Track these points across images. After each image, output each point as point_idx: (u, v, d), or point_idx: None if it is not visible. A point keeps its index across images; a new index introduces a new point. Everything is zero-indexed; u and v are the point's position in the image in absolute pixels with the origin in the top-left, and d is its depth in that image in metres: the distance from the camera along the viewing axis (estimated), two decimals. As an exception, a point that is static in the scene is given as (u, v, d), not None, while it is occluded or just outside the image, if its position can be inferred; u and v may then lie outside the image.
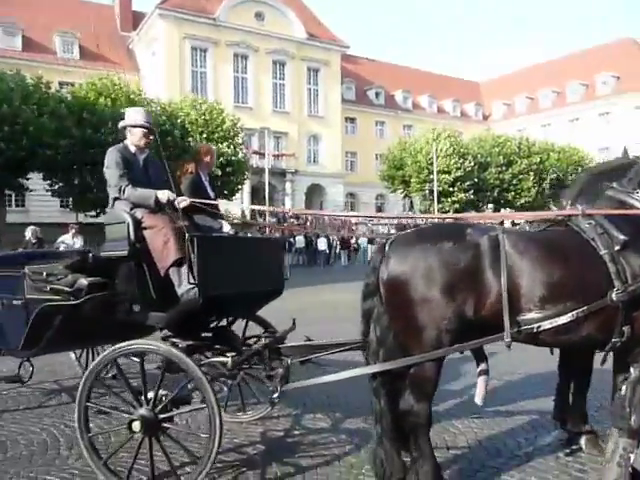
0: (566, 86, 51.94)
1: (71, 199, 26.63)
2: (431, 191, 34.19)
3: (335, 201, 42.29)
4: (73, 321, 3.73)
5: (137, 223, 3.49)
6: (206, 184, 4.24)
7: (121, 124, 3.90)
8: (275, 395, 2.95)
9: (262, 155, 35.99)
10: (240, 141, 28.25)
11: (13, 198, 30.77)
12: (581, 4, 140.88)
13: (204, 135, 25.42)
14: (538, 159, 38.78)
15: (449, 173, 34.63)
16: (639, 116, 47.12)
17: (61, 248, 14.15)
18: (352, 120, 48.32)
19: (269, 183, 32.65)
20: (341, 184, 43.42)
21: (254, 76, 39.53)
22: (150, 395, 3.07)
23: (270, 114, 39.88)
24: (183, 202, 3.65)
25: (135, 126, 3.80)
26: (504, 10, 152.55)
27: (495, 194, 37.27)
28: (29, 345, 3.88)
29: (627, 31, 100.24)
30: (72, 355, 6.07)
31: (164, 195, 3.60)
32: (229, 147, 26.28)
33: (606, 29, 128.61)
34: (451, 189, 34.83)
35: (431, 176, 33.62)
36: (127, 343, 3.13)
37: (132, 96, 24.14)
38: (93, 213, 25.16)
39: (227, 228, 3.99)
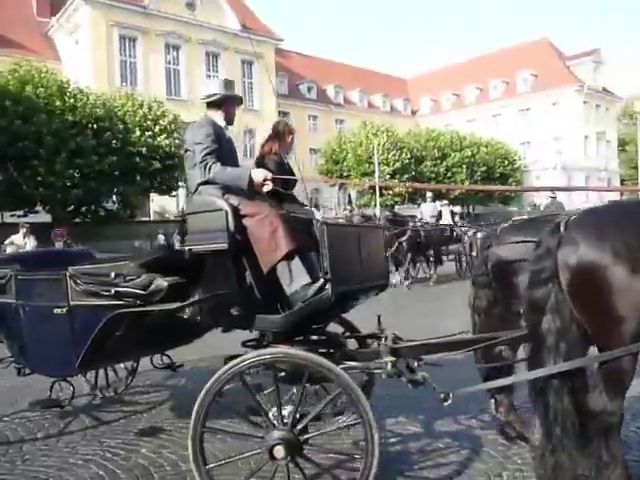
0: (488, 83, 54.33)
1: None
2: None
3: (272, 196, 41.58)
4: (146, 328, 3.15)
5: (236, 211, 2.95)
6: (287, 167, 3.73)
7: (219, 94, 3.29)
8: (448, 402, 2.54)
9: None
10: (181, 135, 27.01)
11: None
12: (500, 5, 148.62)
13: (144, 129, 24.05)
14: (469, 152, 40.32)
15: (388, 165, 35.30)
16: (555, 112, 50.24)
17: (9, 250, 12.77)
18: (285, 114, 47.64)
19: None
20: (277, 179, 42.76)
21: (187, 67, 37.95)
22: (285, 413, 2.58)
23: (205, 107, 38.42)
24: (266, 186, 3.14)
25: (235, 98, 3.23)
26: (429, 9, 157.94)
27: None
28: (88, 361, 3.22)
29: (541, 31, 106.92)
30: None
31: (259, 174, 3.06)
32: (168, 140, 25.07)
33: (521, 29, 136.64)
34: (391, 182, 35.38)
35: (371, 167, 33.94)
36: (256, 353, 2.60)
37: (65, 85, 22.36)
38: (20, 212, 23.09)
39: (319, 216, 3.50)
